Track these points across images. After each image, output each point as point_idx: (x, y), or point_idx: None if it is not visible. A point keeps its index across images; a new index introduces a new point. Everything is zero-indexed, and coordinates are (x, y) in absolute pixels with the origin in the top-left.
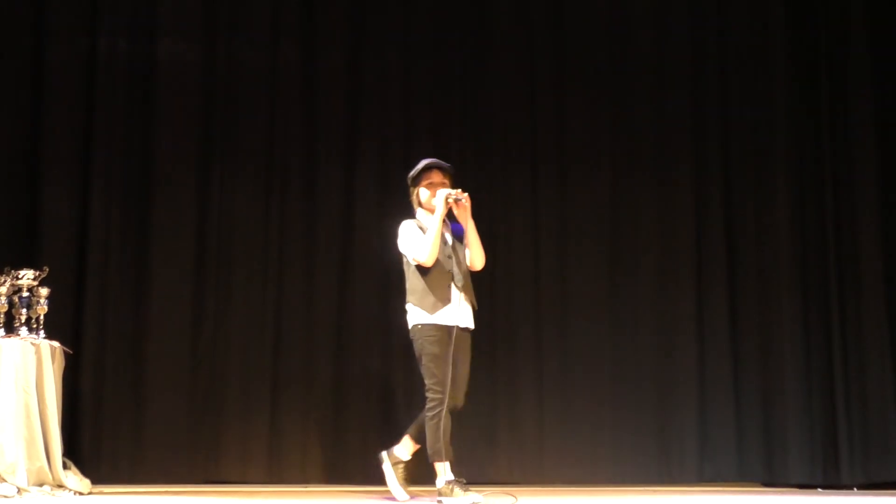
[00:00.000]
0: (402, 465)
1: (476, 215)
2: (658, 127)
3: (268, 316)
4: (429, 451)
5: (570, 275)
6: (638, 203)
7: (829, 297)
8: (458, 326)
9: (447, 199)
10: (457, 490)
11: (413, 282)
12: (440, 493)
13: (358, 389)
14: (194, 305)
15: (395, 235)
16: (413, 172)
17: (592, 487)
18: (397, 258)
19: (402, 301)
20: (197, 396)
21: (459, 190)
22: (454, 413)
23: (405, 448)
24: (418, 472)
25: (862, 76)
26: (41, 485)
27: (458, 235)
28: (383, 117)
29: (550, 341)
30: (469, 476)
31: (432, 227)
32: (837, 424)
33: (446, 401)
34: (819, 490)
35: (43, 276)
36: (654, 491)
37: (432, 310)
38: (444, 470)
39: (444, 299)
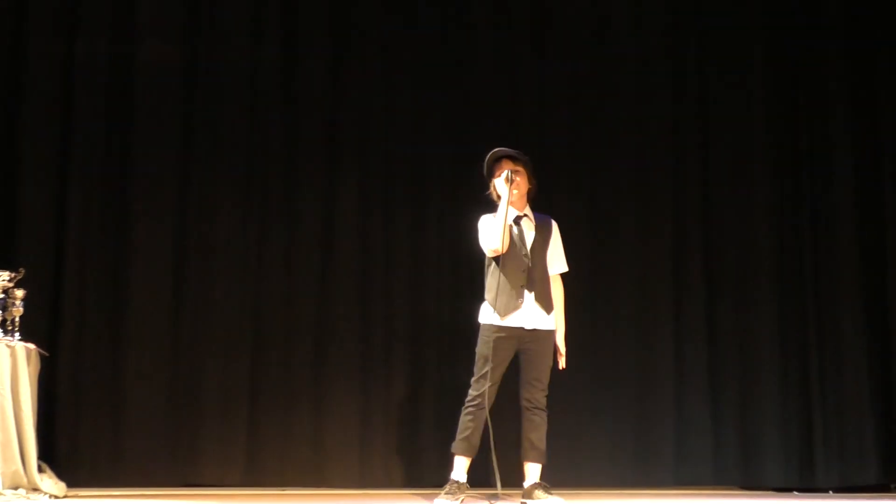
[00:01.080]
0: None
1: (462, 224)
2: (638, 137)
3: (246, 320)
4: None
5: None
6: (617, 212)
7: (806, 303)
8: (524, 328)
9: (506, 180)
10: (446, 493)
11: (489, 280)
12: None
13: (336, 393)
14: (172, 308)
15: (375, 237)
16: (485, 168)
17: (570, 490)
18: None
19: (380, 304)
20: (175, 400)
21: (508, 170)
22: (532, 409)
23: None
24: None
25: (842, 86)
26: (16, 488)
27: (543, 231)
28: (365, 121)
29: None
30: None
31: (499, 213)
32: (813, 428)
33: (482, 401)
34: (795, 493)
35: (19, 277)
36: (631, 494)
37: (502, 312)
38: (455, 465)
39: (513, 301)
